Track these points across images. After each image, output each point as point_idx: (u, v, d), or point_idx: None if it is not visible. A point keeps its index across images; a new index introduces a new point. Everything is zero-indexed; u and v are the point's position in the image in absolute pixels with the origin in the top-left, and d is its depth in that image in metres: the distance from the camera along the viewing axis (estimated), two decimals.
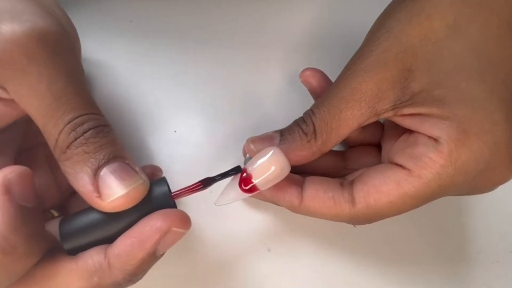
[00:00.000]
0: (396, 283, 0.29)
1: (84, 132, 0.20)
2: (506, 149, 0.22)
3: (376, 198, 0.23)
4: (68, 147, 0.20)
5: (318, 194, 0.24)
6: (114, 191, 0.20)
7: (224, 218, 0.29)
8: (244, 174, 0.23)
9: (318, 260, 0.29)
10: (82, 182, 0.20)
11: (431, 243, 0.30)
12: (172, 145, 0.30)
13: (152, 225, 0.21)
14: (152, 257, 0.21)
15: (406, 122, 0.23)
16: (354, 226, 0.30)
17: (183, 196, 0.22)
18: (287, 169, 0.23)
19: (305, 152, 0.24)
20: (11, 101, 0.21)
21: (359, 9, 0.33)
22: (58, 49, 0.21)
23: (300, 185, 0.25)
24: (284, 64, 0.33)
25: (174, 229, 0.21)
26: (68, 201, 0.27)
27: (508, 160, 0.22)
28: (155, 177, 0.27)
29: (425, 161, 0.22)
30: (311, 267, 0.29)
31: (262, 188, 0.23)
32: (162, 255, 0.22)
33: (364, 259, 0.29)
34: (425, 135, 0.23)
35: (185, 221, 0.22)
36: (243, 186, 0.23)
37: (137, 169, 0.21)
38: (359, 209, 0.24)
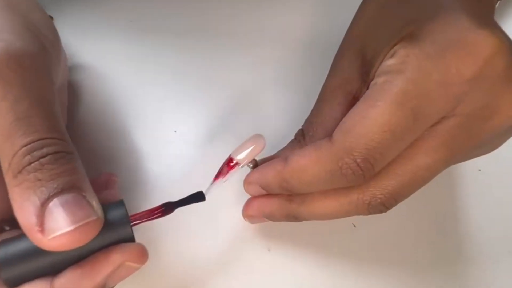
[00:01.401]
0: (396, 283, 0.29)
1: (41, 157, 0.18)
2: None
3: (349, 121, 0.22)
4: (20, 171, 0.18)
5: (300, 151, 0.24)
6: (59, 226, 0.18)
7: (224, 218, 0.29)
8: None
9: (318, 260, 0.29)
10: (25, 212, 0.18)
11: (431, 243, 0.30)
12: (172, 145, 0.30)
13: (106, 257, 0.20)
14: None
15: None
16: (354, 226, 0.30)
17: (142, 222, 0.22)
18: (261, 139, 0.25)
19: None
20: None
21: None
22: (30, 70, 0.20)
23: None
24: (284, 64, 0.33)
25: (128, 263, 0.20)
26: None
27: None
28: (110, 184, 0.25)
29: (388, 69, 0.22)
30: (311, 267, 0.29)
31: (240, 158, 0.25)
32: None
33: (364, 259, 0.29)
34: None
35: (141, 256, 0.21)
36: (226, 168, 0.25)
37: (94, 203, 0.19)
38: (336, 140, 0.22)
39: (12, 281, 0.19)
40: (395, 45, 0.23)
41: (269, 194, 0.26)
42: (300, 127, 0.27)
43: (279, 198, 0.26)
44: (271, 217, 0.26)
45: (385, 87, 0.22)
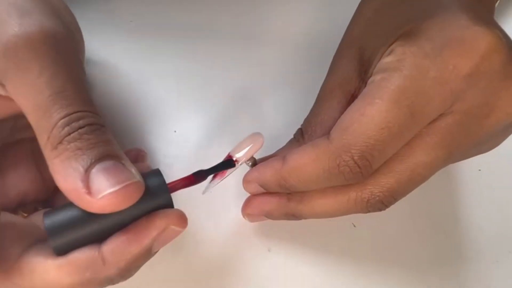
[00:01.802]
0: (396, 283, 0.29)
1: (80, 128, 0.19)
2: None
3: (346, 119, 0.22)
4: (60, 142, 0.19)
5: (298, 150, 0.24)
6: (105, 187, 0.18)
7: (224, 218, 0.29)
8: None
9: (318, 260, 0.29)
10: (70, 178, 0.19)
11: (431, 243, 0.30)
12: (172, 145, 0.30)
13: (150, 221, 0.20)
14: (147, 253, 0.21)
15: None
16: (354, 226, 0.30)
17: (177, 190, 0.22)
18: (259, 137, 0.25)
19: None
20: (7, 98, 0.21)
21: None
22: (62, 49, 0.21)
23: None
24: (283, 64, 0.33)
25: (172, 227, 0.21)
26: (53, 198, 0.26)
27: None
28: (140, 158, 0.26)
29: (385, 67, 0.22)
30: (311, 267, 0.29)
31: (239, 156, 0.25)
32: (156, 252, 0.22)
33: (364, 259, 0.29)
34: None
35: (183, 220, 0.21)
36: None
37: (133, 170, 0.20)
38: (334, 138, 0.22)
39: (60, 249, 0.20)
40: (392, 43, 0.23)
41: (268, 193, 0.26)
42: (299, 126, 0.27)
43: (278, 196, 0.26)
44: (270, 215, 0.26)
45: (382, 85, 0.22)
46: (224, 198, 0.29)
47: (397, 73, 0.21)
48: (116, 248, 0.20)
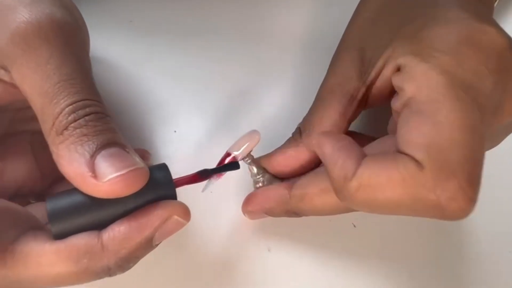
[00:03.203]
0: (396, 283, 0.29)
1: (86, 115, 0.19)
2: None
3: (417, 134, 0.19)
4: (66, 128, 0.19)
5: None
6: (111, 171, 0.18)
7: (224, 218, 0.29)
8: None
9: (318, 260, 0.29)
10: (75, 163, 0.19)
11: (431, 243, 0.30)
12: (172, 145, 0.30)
13: (152, 210, 0.20)
14: (149, 244, 0.20)
15: (385, 85, 0.24)
16: (354, 226, 0.30)
17: (181, 186, 0.22)
18: (255, 134, 0.26)
19: (292, 149, 0.26)
20: (10, 84, 0.21)
21: None
22: (70, 39, 0.21)
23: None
24: (283, 63, 0.33)
25: (175, 217, 0.20)
26: (48, 192, 0.26)
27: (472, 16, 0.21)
28: (144, 158, 0.26)
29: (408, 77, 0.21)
30: (311, 267, 0.29)
31: (237, 153, 0.25)
32: (157, 245, 0.21)
33: (364, 259, 0.29)
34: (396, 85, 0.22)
35: (186, 212, 0.21)
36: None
37: (137, 158, 0.20)
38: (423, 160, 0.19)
39: (60, 234, 0.20)
40: (395, 46, 0.23)
41: (269, 190, 0.26)
42: (298, 125, 0.27)
43: (279, 194, 0.26)
44: (271, 212, 0.26)
45: (426, 86, 0.20)
46: (224, 198, 0.29)
47: (431, 73, 0.20)
48: (117, 235, 0.20)
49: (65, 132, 0.19)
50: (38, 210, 0.23)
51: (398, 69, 0.22)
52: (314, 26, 0.34)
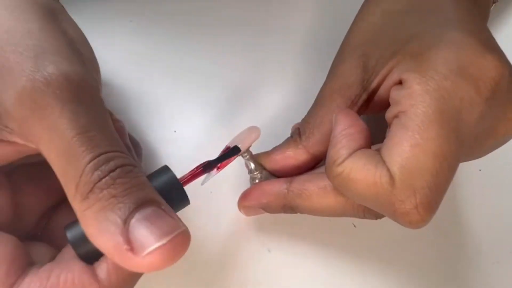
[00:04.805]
0: (396, 283, 0.29)
1: (111, 171, 0.17)
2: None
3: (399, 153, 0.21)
4: (91, 190, 0.17)
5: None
6: (150, 241, 0.16)
7: (224, 218, 0.29)
8: None
9: (318, 261, 0.29)
10: (107, 233, 0.16)
11: (431, 243, 0.30)
12: (172, 145, 0.30)
13: None
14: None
15: (387, 94, 0.24)
16: (354, 226, 0.30)
17: (188, 183, 0.22)
18: (255, 129, 0.26)
19: (291, 149, 0.26)
20: (13, 143, 0.19)
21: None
22: (81, 90, 0.19)
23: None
24: (284, 64, 0.33)
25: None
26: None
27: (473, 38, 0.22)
28: (119, 133, 0.24)
29: (404, 99, 0.22)
30: (311, 268, 0.29)
31: (239, 144, 0.25)
32: None
33: (364, 259, 0.29)
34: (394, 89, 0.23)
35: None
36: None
37: (174, 216, 0.18)
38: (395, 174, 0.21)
39: (87, 258, 0.19)
40: (398, 60, 0.23)
41: (266, 184, 0.26)
42: (297, 126, 0.27)
43: (277, 188, 0.26)
44: (267, 207, 0.26)
45: (415, 112, 0.21)
46: (224, 198, 0.29)
47: (424, 97, 0.21)
48: (112, 270, 0.19)
49: (91, 196, 0.17)
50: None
51: (399, 82, 0.23)
52: (315, 26, 0.34)
